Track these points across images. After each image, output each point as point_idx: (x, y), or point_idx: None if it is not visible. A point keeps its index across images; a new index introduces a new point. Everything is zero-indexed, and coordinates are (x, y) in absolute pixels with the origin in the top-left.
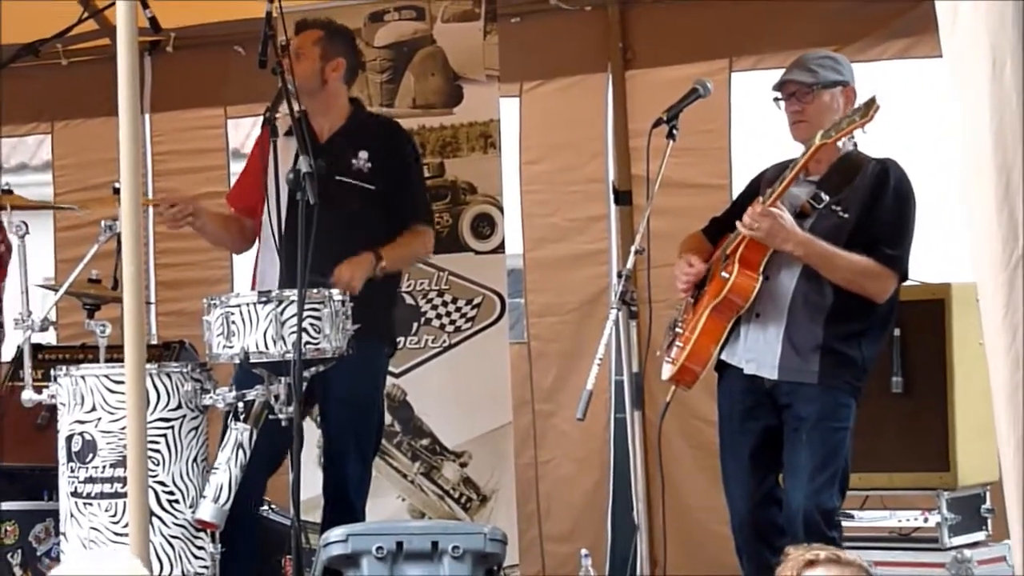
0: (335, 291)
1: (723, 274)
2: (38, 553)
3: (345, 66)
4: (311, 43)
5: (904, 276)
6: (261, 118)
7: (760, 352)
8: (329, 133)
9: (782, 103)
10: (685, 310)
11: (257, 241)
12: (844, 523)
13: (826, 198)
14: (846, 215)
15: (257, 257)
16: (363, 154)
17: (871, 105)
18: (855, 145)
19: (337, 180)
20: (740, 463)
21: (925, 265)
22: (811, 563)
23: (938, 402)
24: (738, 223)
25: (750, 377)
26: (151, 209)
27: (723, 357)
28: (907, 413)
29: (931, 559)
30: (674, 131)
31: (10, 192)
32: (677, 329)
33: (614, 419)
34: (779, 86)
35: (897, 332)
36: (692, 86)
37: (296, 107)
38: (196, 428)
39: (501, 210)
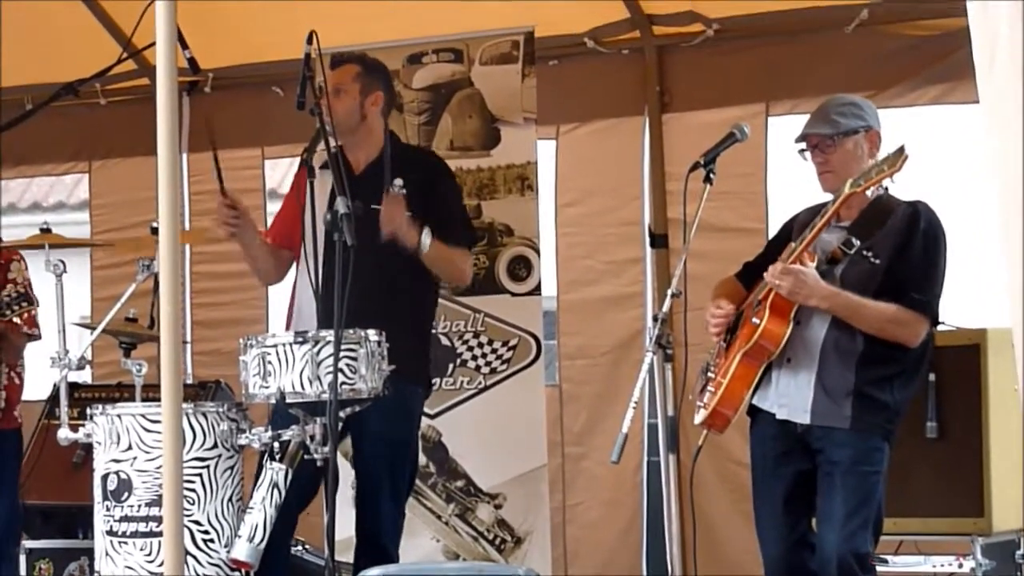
0: (371, 332)
1: (754, 320)
2: None
3: (384, 100)
4: (350, 79)
5: (935, 320)
6: (298, 159)
7: (792, 397)
8: (365, 164)
9: (807, 155)
10: (718, 354)
11: (294, 278)
12: (879, 568)
13: (857, 243)
14: (877, 260)
15: (293, 295)
16: (399, 181)
17: (900, 154)
18: (886, 189)
19: (373, 208)
20: (773, 507)
21: (961, 310)
22: None
23: (973, 447)
24: (766, 275)
25: (782, 422)
26: (188, 248)
27: (755, 402)
28: (942, 458)
29: None
30: (711, 175)
31: (48, 231)
32: (709, 374)
33: (647, 462)
34: (801, 139)
35: (932, 377)
36: (729, 130)
37: (333, 145)
38: (232, 467)
39: (537, 252)
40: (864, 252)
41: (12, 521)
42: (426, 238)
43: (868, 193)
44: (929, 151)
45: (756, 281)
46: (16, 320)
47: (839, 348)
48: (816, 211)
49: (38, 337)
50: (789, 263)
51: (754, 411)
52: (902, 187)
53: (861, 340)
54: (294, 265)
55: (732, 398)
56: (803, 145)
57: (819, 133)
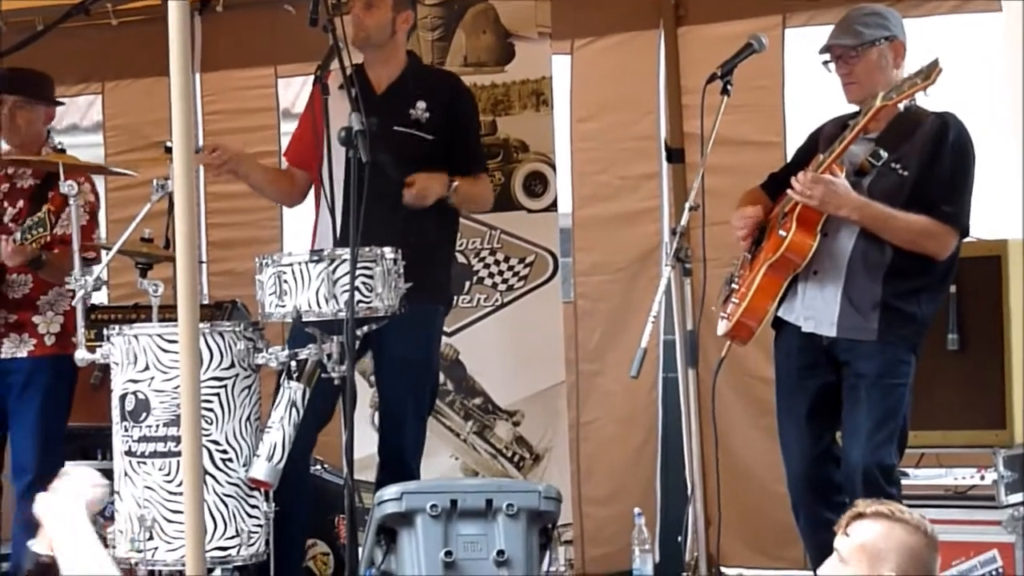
0: (387, 249)
1: (780, 232)
2: None
3: (413, 20)
4: None
5: (965, 232)
6: (312, 77)
7: (818, 310)
8: (387, 83)
9: (831, 66)
10: (742, 266)
11: (314, 199)
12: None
13: (885, 155)
14: (905, 172)
15: (317, 216)
16: (421, 104)
17: (934, 68)
18: (913, 100)
19: (395, 130)
20: (797, 420)
21: (981, 221)
22: (858, 516)
23: (994, 359)
24: (790, 191)
25: (807, 335)
26: (202, 168)
27: (780, 314)
28: (963, 371)
29: (987, 517)
30: (728, 87)
31: (63, 151)
32: (733, 285)
33: (663, 378)
34: (825, 50)
35: (953, 289)
36: (747, 41)
37: (348, 63)
38: (249, 387)
39: (553, 168)
40: (892, 164)
41: (56, 448)
42: (454, 189)
43: (899, 106)
44: (950, 61)
45: (782, 192)
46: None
47: (867, 260)
48: (842, 123)
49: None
50: (819, 174)
51: (779, 324)
52: (923, 97)
53: (889, 252)
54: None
55: (756, 310)
56: (827, 56)
57: (842, 44)
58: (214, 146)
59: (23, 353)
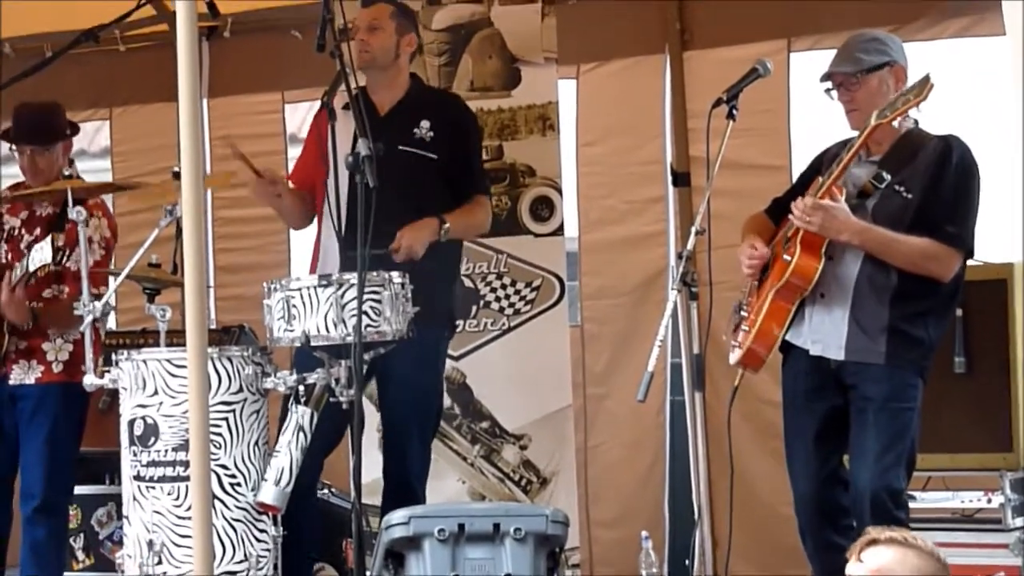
0: (395, 274)
1: (785, 257)
2: (100, 537)
3: (416, 43)
4: (386, 16)
5: (970, 253)
6: (319, 102)
7: (826, 333)
8: (390, 105)
9: (834, 93)
10: (750, 293)
11: (317, 221)
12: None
13: (888, 177)
14: (909, 195)
15: (318, 238)
16: (425, 123)
17: (925, 83)
18: (916, 123)
19: (399, 150)
20: (804, 443)
21: (987, 245)
22: (872, 542)
23: (1001, 382)
24: (791, 216)
25: (815, 358)
26: (210, 194)
27: (788, 338)
28: (970, 393)
29: (994, 540)
30: (734, 111)
31: (78, 178)
32: (743, 312)
33: (670, 401)
34: (826, 77)
35: (959, 312)
36: (752, 66)
37: (355, 87)
38: (257, 411)
39: (560, 192)
40: (896, 187)
41: (62, 474)
42: (445, 232)
43: (896, 124)
44: (953, 85)
45: (785, 217)
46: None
47: (873, 283)
48: (845, 145)
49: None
50: (818, 198)
51: (786, 347)
52: (928, 121)
53: (895, 275)
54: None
55: (766, 336)
56: (828, 84)
57: (842, 71)
58: (273, 177)
59: (31, 380)
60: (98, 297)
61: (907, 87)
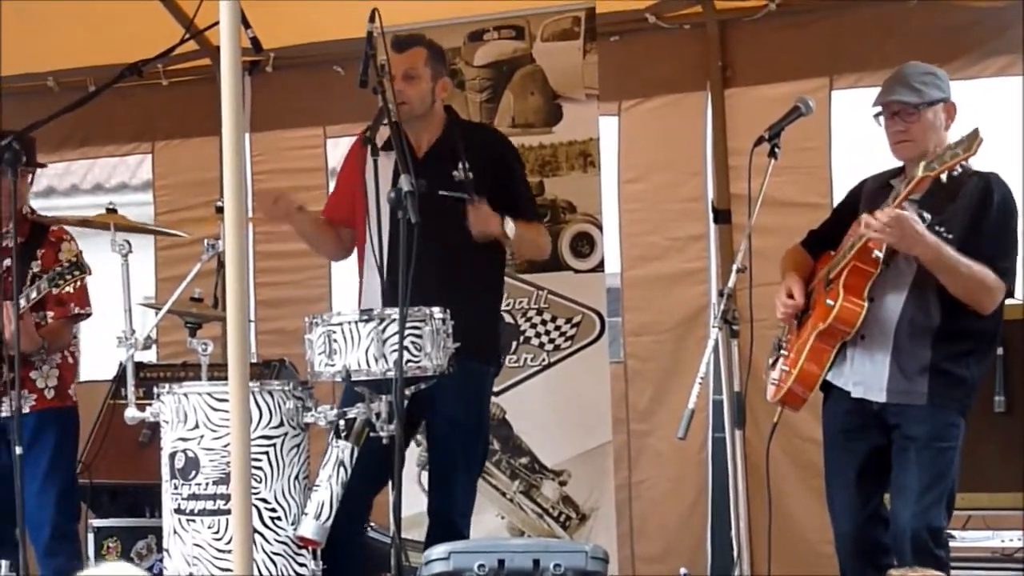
0: (436, 309)
1: (828, 301)
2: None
3: (450, 88)
4: (422, 63)
5: (1011, 291)
6: (353, 137)
7: (867, 376)
8: (427, 146)
9: (881, 118)
10: (789, 330)
11: (357, 257)
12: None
13: (928, 217)
14: (950, 235)
15: (361, 276)
16: (463, 165)
17: (974, 138)
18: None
19: (439, 196)
20: (846, 482)
21: None
22: None
23: None
24: (864, 229)
25: (857, 399)
26: (251, 227)
27: (829, 378)
28: (1010, 432)
29: None
30: (776, 150)
31: (115, 211)
32: (782, 351)
33: (713, 438)
34: (884, 104)
35: (1000, 351)
36: (794, 104)
37: (397, 124)
38: (298, 446)
39: (600, 229)
40: (936, 227)
41: (69, 500)
42: (510, 227)
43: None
44: (993, 123)
45: (823, 252)
46: (70, 290)
47: (914, 325)
48: (882, 180)
49: (87, 315)
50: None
51: (827, 386)
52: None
53: (937, 316)
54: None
55: (807, 378)
56: (878, 109)
57: (904, 101)
58: (276, 196)
59: (25, 409)
60: (80, 318)
61: (956, 140)
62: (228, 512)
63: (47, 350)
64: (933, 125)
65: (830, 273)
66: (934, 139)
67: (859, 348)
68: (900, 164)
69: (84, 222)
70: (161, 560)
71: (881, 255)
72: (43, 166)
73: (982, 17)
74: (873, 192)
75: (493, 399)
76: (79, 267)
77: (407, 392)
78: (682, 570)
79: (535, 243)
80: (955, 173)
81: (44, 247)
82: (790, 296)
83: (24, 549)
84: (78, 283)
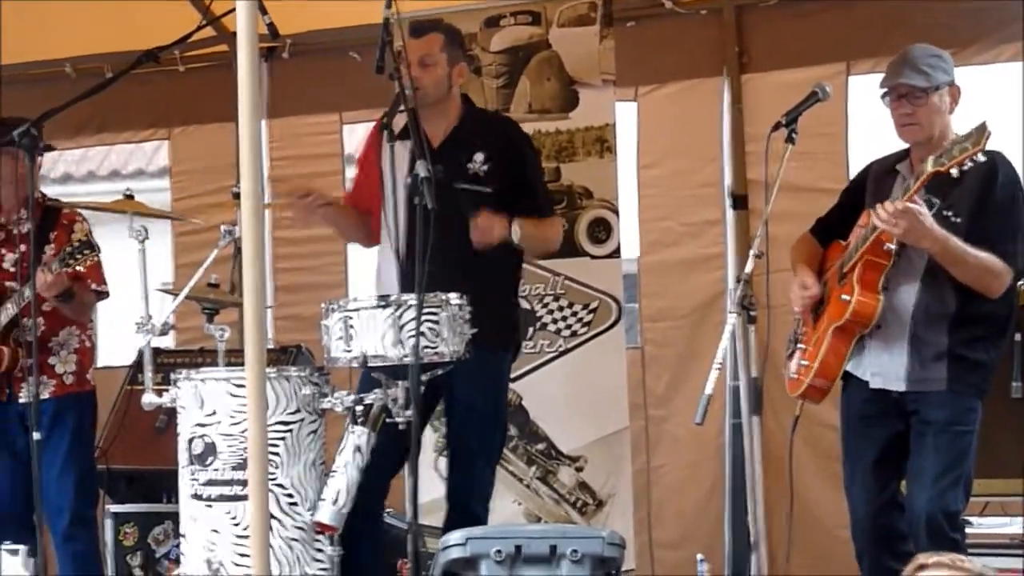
0: (453, 295)
1: (843, 296)
2: (157, 555)
3: (467, 73)
4: (438, 49)
5: (1020, 274)
6: (375, 123)
7: (885, 366)
8: (443, 136)
9: (887, 99)
10: (805, 322)
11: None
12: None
13: (936, 203)
14: (958, 219)
15: (380, 261)
16: (479, 156)
17: (983, 132)
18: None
19: (453, 187)
20: (863, 468)
21: None
22: (920, 567)
23: None
24: (875, 220)
25: (877, 388)
26: (268, 213)
27: (848, 368)
28: None
29: None
30: (793, 135)
31: (132, 198)
32: (799, 345)
33: (730, 424)
34: (891, 87)
35: (1017, 337)
36: (811, 89)
37: (414, 110)
38: (314, 431)
39: (617, 214)
40: (944, 212)
41: (88, 485)
42: (516, 233)
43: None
44: (1008, 108)
45: (831, 240)
46: (81, 268)
47: (929, 312)
48: (888, 164)
49: (106, 294)
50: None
51: (846, 375)
52: None
53: (952, 302)
54: None
55: (827, 371)
56: (885, 91)
57: (912, 84)
58: (307, 191)
59: (44, 395)
60: (101, 295)
61: (964, 134)
62: (245, 498)
63: (73, 300)
64: (939, 109)
65: (844, 267)
66: (939, 123)
67: (876, 338)
68: (905, 147)
69: (101, 208)
70: (178, 545)
71: (894, 247)
72: (52, 149)
73: (1000, 2)
74: (879, 177)
75: (510, 385)
76: (90, 246)
77: (423, 378)
78: (699, 556)
79: (543, 242)
80: (965, 168)
81: (56, 229)
82: (804, 287)
83: (41, 534)
84: (89, 261)
